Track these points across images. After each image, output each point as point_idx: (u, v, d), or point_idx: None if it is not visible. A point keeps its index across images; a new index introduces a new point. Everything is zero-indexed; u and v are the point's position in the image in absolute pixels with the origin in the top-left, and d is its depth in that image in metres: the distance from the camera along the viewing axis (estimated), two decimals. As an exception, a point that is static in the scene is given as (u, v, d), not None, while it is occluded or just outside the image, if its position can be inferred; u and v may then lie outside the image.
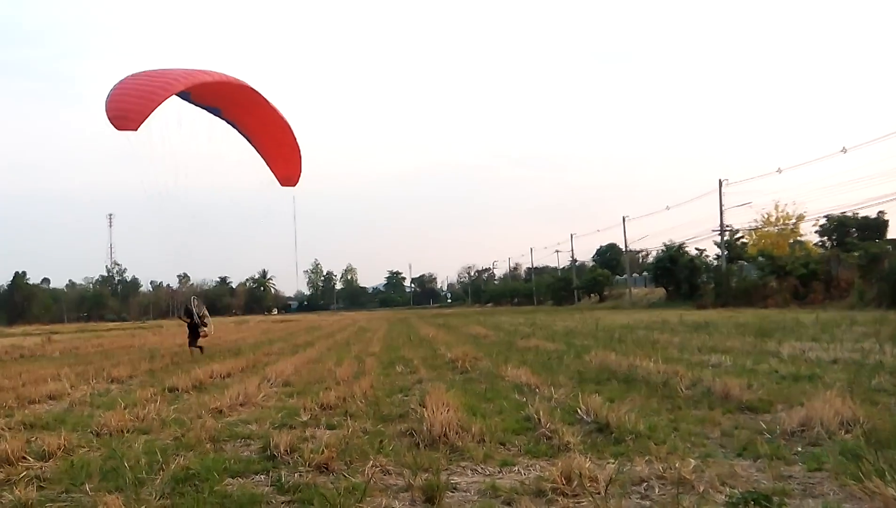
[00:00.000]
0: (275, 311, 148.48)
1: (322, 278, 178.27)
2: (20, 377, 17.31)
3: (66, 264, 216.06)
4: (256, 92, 15.10)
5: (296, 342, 30.53)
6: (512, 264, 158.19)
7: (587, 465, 6.45)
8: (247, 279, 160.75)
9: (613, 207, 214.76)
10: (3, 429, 9.92)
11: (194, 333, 24.38)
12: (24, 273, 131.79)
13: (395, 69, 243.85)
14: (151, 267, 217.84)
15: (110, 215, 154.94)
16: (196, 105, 15.24)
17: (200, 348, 24.12)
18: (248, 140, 16.25)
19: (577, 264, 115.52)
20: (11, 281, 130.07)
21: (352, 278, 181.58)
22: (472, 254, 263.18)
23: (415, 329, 39.84)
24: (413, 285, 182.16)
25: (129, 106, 12.10)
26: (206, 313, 25.12)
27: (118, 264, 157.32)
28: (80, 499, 6.36)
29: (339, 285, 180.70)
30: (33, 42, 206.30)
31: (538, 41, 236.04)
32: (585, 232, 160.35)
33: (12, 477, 7.12)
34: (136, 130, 12.29)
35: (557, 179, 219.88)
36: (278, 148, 16.06)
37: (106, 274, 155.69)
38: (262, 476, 7.07)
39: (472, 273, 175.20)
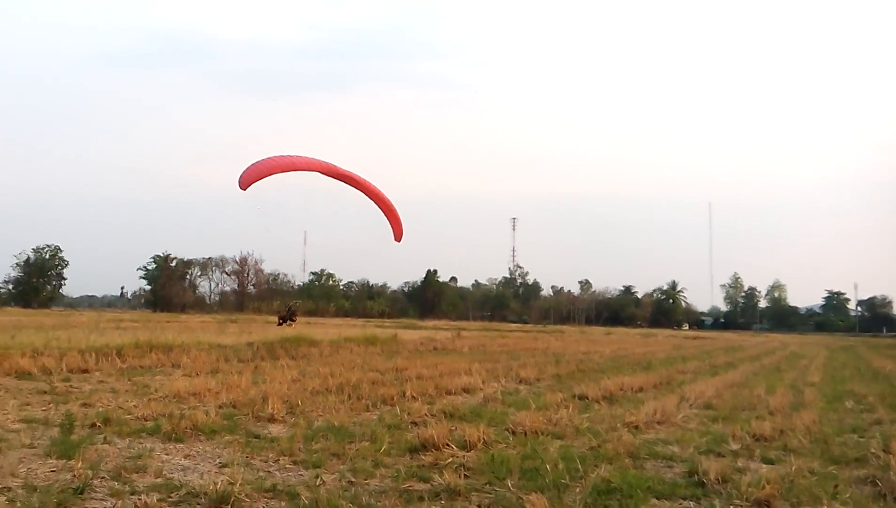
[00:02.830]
0: (685, 326, 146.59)
1: (742, 293, 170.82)
2: (437, 369, 19.97)
3: (472, 266, 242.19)
4: (354, 174, 22.01)
5: (713, 361, 29.76)
6: None
7: None
8: (654, 290, 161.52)
9: None
10: (427, 415, 11.57)
11: (283, 321, 46.46)
12: (435, 271, 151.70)
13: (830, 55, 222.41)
14: (552, 271, 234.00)
15: (514, 218, 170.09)
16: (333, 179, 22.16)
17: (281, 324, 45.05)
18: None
19: None
20: (424, 278, 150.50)
21: (779, 295, 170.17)
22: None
23: (865, 360, 36.08)
24: (860, 309, 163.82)
25: (246, 176, 19.75)
26: (298, 314, 49.92)
27: (520, 267, 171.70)
28: (504, 494, 7.06)
29: (762, 303, 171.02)
30: (449, 55, 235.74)
31: None
32: None
33: (439, 462, 8.23)
34: (244, 190, 19.81)
35: None
36: (384, 211, 23.18)
37: (509, 276, 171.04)
38: (691, 503, 7.11)
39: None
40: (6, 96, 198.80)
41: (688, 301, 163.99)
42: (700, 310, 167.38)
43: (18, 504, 5.99)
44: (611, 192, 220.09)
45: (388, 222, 23.28)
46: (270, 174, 20.02)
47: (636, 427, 11.25)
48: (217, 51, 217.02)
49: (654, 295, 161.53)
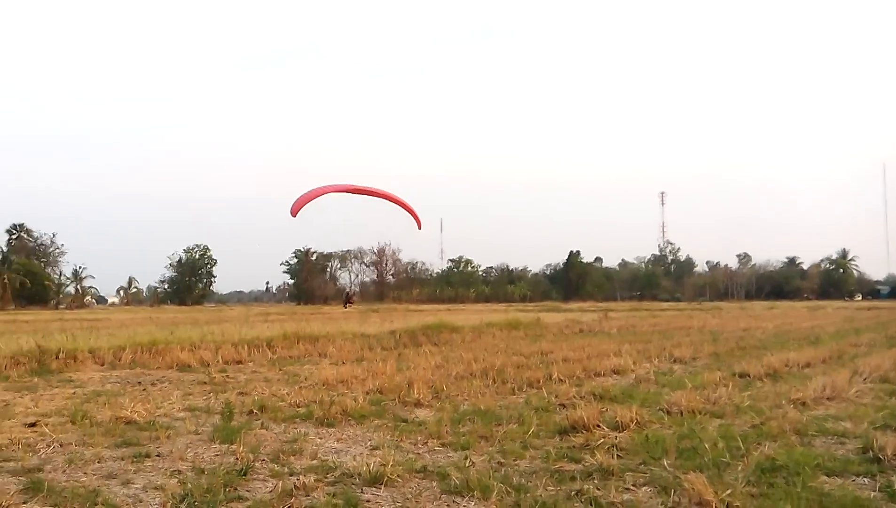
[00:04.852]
0: (858, 296, 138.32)
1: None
2: (584, 351, 19.88)
3: (618, 244, 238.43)
4: (370, 188, 27.11)
5: (890, 332, 28.01)
6: None
7: None
8: (821, 260, 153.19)
9: None
10: (575, 398, 11.63)
11: (346, 305, 70.21)
12: (577, 252, 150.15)
13: None
14: (707, 246, 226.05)
15: (662, 193, 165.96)
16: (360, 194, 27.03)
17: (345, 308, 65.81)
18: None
19: None
20: (567, 260, 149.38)
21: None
22: None
23: None
24: None
25: (295, 205, 24.17)
26: (354, 300, 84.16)
27: (671, 243, 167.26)
28: (660, 473, 7.04)
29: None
30: (589, 30, 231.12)
31: None
32: None
33: (591, 443, 8.28)
34: (294, 216, 24.27)
35: None
36: (404, 209, 27.92)
37: (658, 253, 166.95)
38: (866, 479, 6.85)
39: None
40: (151, 110, 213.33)
41: (860, 270, 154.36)
42: (875, 279, 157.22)
43: (189, 485, 6.55)
44: (767, 159, 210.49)
45: (411, 217, 28.84)
46: (311, 200, 25.24)
47: (803, 404, 10.85)
48: (345, 44, 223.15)
49: (822, 265, 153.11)
